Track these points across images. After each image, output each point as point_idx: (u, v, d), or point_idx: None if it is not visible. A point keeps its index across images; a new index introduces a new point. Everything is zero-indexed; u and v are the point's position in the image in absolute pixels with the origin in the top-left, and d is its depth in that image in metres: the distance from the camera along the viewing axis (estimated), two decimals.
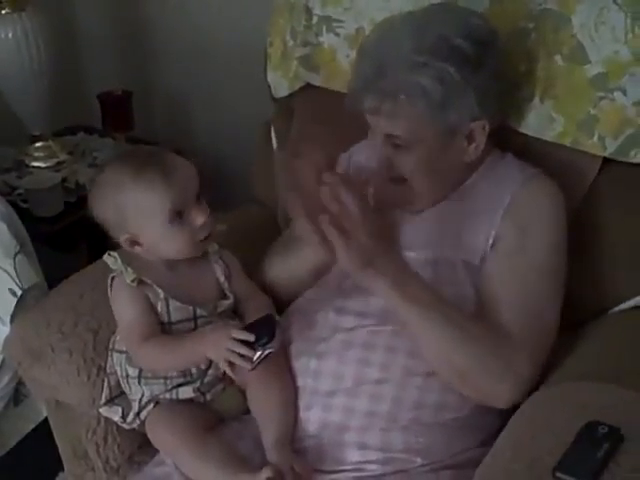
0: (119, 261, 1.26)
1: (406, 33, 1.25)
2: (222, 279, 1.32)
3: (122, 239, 1.25)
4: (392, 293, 1.16)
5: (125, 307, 1.27)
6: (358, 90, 1.28)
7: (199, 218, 1.24)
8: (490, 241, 1.27)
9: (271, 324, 1.18)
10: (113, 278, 1.28)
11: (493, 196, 1.31)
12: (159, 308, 1.25)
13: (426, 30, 1.24)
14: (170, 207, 1.21)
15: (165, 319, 1.25)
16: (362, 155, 1.45)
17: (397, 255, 1.22)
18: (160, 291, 1.24)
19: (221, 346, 1.16)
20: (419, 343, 1.21)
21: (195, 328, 1.26)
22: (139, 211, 1.22)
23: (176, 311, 1.25)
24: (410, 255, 1.27)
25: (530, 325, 1.21)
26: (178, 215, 1.22)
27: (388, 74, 1.23)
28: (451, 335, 1.17)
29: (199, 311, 1.26)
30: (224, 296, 1.31)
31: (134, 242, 1.25)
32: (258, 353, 1.15)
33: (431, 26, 1.24)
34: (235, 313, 1.33)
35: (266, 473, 1.13)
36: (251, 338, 1.15)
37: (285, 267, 1.43)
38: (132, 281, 1.24)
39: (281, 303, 1.41)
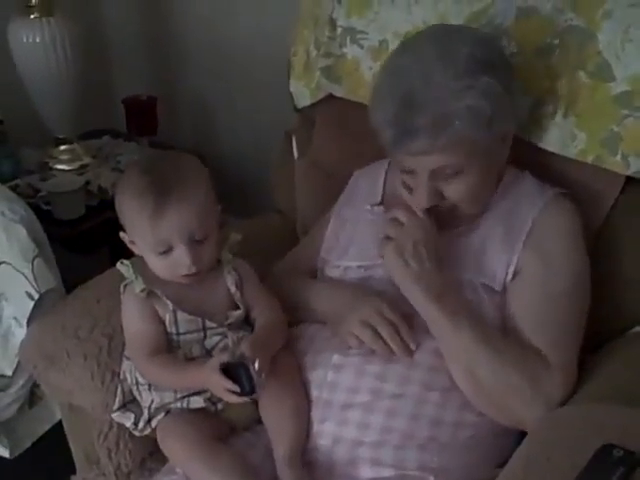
0: (131, 270, 1.26)
1: (432, 63, 1.20)
2: (233, 289, 1.31)
3: (125, 236, 1.27)
4: (432, 306, 1.20)
5: (133, 318, 1.28)
6: (400, 134, 1.21)
7: (183, 260, 1.23)
8: (511, 269, 1.27)
9: (247, 370, 1.16)
10: (126, 286, 1.29)
11: (513, 221, 1.30)
12: (167, 319, 1.25)
13: (452, 54, 1.20)
14: (151, 242, 1.22)
15: (173, 330, 1.25)
16: (364, 183, 1.50)
17: (440, 268, 1.24)
18: (168, 302, 1.24)
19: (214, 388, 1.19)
20: (449, 361, 1.21)
21: (205, 338, 1.26)
22: (132, 226, 1.24)
23: (184, 323, 1.25)
24: None
25: (562, 349, 1.21)
26: (166, 249, 1.22)
27: (425, 108, 1.18)
28: (487, 356, 1.18)
29: (208, 323, 1.26)
30: (235, 306, 1.31)
31: (132, 242, 1.28)
32: (249, 396, 1.16)
33: (455, 48, 1.21)
34: (247, 321, 1.32)
35: None
36: (236, 389, 1.14)
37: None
38: (141, 291, 1.24)
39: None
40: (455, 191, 1.26)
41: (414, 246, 1.24)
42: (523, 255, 1.27)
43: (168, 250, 1.22)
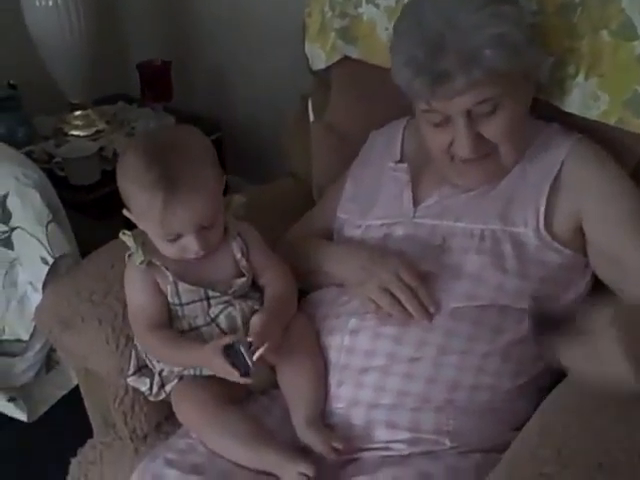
0: (132, 241, 1.25)
1: (451, 4, 1.19)
2: (239, 256, 1.29)
3: (129, 214, 1.24)
4: None
5: (134, 290, 1.27)
6: (434, 81, 1.18)
7: (191, 247, 1.21)
8: (542, 211, 1.25)
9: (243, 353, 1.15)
10: (130, 256, 1.28)
11: (541, 165, 1.29)
12: (168, 291, 1.24)
13: None
14: (160, 232, 1.20)
15: (176, 301, 1.25)
16: (381, 143, 1.47)
17: None
18: (169, 274, 1.24)
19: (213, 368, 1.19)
20: None
21: (209, 307, 1.25)
22: (140, 211, 1.20)
23: (186, 293, 1.24)
24: (459, 225, 1.28)
25: None
26: (175, 236, 1.21)
27: (450, 46, 1.16)
28: None
29: (211, 292, 1.25)
30: (241, 274, 1.29)
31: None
32: (244, 378, 1.15)
33: None
34: (255, 287, 1.32)
35: (304, 468, 1.12)
36: (234, 373, 1.14)
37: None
38: (140, 263, 1.23)
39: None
40: (497, 128, 1.24)
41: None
42: (559, 197, 1.26)
43: (177, 238, 1.21)
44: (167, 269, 1.24)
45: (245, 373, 1.14)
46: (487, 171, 1.30)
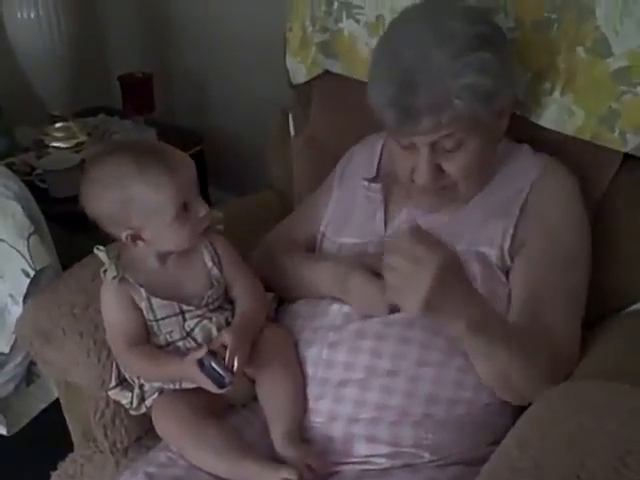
0: (106, 256, 1.24)
1: (430, 41, 1.19)
2: (210, 264, 1.30)
3: (123, 235, 1.23)
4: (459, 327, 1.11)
5: (110, 307, 1.27)
6: (401, 116, 1.20)
7: (202, 210, 1.24)
8: (508, 238, 1.26)
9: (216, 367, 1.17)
10: (105, 272, 1.26)
11: (511, 187, 1.30)
12: (143, 306, 1.24)
13: (448, 31, 1.18)
14: (178, 203, 1.21)
15: (151, 317, 1.25)
16: (360, 157, 1.49)
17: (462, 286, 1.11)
18: (142, 290, 1.24)
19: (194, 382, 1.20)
20: (476, 364, 1.18)
21: (185, 321, 1.26)
22: (147, 208, 1.20)
23: (160, 308, 1.24)
24: None
25: (571, 318, 1.23)
26: (184, 209, 1.22)
27: (424, 87, 1.17)
28: (511, 359, 1.14)
29: (185, 307, 1.25)
30: (212, 285, 1.30)
31: (136, 237, 1.23)
32: (226, 388, 1.17)
33: (449, 24, 1.19)
34: (227, 298, 1.32)
35: (287, 474, 1.12)
36: (209, 385, 1.16)
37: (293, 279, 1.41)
38: (114, 278, 1.23)
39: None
40: (457, 165, 1.25)
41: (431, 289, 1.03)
42: (523, 223, 1.27)
43: (186, 210, 1.22)
44: (141, 286, 1.24)
45: (220, 385, 1.16)
46: (444, 200, 1.31)
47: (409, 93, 1.17)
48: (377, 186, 1.42)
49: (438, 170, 1.26)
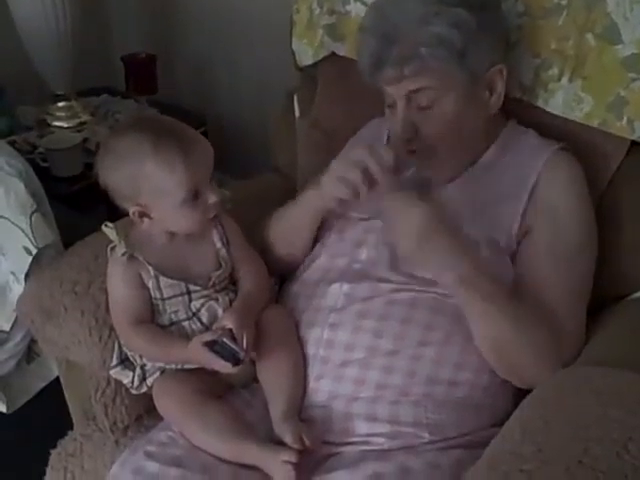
0: (115, 233, 1.24)
1: None
2: (219, 245, 1.30)
3: (131, 210, 1.23)
4: (449, 279, 1.16)
5: (116, 283, 1.28)
6: (372, 66, 1.26)
7: (212, 197, 1.23)
8: (517, 224, 1.26)
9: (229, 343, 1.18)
10: (112, 249, 1.27)
11: (518, 174, 1.29)
12: (150, 285, 1.24)
13: None
14: (189, 188, 1.20)
15: (157, 295, 1.25)
16: (367, 137, 1.49)
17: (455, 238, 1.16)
18: (150, 268, 1.24)
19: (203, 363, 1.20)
20: (471, 324, 1.20)
21: (190, 301, 1.26)
22: (157, 188, 1.20)
23: (167, 287, 1.25)
24: None
25: (575, 304, 1.23)
26: (194, 195, 1.21)
27: (400, 37, 1.21)
28: (506, 323, 1.16)
29: (192, 286, 1.26)
30: (219, 266, 1.30)
31: (143, 214, 1.23)
32: (237, 367, 1.17)
33: None
34: (232, 279, 1.32)
35: (287, 456, 1.12)
36: (221, 364, 1.16)
37: (285, 222, 1.44)
38: (122, 254, 1.23)
39: (283, 265, 1.44)
40: (428, 125, 1.26)
41: (419, 234, 1.12)
42: (531, 210, 1.27)
43: (195, 197, 1.21)
44: (149, 264, 1.24)
45: (236, 362, 1.16)
46: (426, 163, 1.31)
47: (386, 44, 1.22)
48: None
49: (412, 125, 1.27)
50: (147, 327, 1.26)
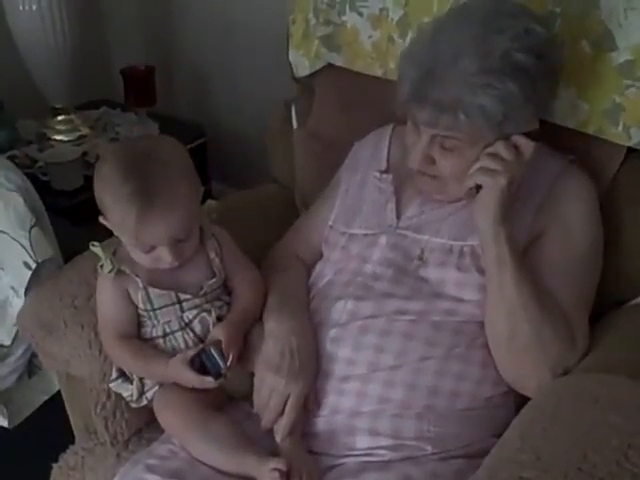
0: (101, 251, 1.25)
1: (467, 46, 1.16)
2: (212, 255, 1.30)
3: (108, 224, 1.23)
4: (506, 247, 1.19)
5: (104, 300, 1.28)
6: (411, 96, 1.21)
7: (165, 258, 1.22)
8: (528, 232, 1.26)
9: (212, 357, 1.19)
10: (102, 265, 1.26)
11: (529, 188, 1.27)
12: (139, 298, 1.25)
13: (489, 45, 1.15)
14: (134, 243, 1.21)
15: (148, 307, 1.25)
16: (367, 150, 1.48)
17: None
18: (139, 280, 1.24)
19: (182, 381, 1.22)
20: (494, 301, 1.21)
21: (182, 312, 1.26)
22: (115, 222, 1.20)
23: (157, 298, 1.25)
24: (438, 241, 1.29)
25: (581, 313, 1.24)
26: (149, 247, 1.21)
27: (445, 85, 1.16)
28: (532, 306, 1.18)
29: (182, 295, 1.26)
30: (212, 275, 1.30)
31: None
32: (219, 380, 1.19)
33: (494, 39, 1.15)
34: (226, 288, 1.33)
35: (275, 464, 1.12)
36: (205, 382, 1.19)
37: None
38: (109, 272, 1.24)
39: None
40: (446, 165, 1.25)
41: (509, 184, 1.17)
42: (540, 219, 1.26)
43: (151, 250, 1.21)
44: (137, 276, 1.24)
45: (218, 375, 1.17)
46: (434, 189, 1.31)
47: (427, 81, 1.18)
48: (388, 177, 1.42)
49: (429, 160, 1.26)
50: (131, 342, 1.27)
